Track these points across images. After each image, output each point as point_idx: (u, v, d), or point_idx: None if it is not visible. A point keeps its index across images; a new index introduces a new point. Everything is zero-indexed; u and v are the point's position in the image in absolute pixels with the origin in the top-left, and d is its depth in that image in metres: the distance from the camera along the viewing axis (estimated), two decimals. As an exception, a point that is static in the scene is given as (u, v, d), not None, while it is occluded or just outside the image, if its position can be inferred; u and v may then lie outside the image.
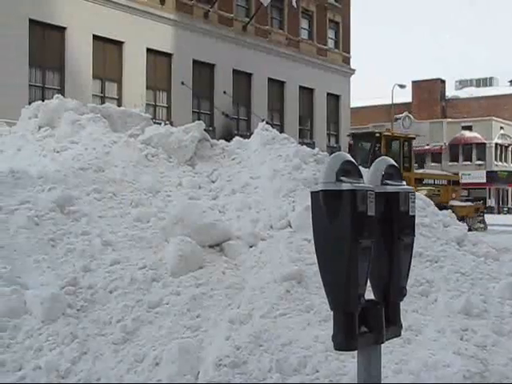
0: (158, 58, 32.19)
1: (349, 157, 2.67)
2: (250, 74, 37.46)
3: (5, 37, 25.24)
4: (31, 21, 26.38)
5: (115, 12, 29.44)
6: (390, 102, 52.25)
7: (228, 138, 10.31)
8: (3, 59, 25.08)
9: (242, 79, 36.97)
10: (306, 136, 41.54)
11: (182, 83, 32.49)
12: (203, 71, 34.59)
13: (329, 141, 44.14)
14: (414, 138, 28.67)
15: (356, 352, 3.07)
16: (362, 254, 2.65)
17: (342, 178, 2.60)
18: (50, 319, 5.21)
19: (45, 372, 4.77)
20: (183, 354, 4.84)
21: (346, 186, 2.59)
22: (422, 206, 7.80)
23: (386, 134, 27.45)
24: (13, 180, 6.76)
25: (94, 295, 5.61)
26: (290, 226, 6.89)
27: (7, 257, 5.76)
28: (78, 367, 4.89)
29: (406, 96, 72.75)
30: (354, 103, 53.71)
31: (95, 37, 28.82)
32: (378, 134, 26.69)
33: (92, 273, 5.85)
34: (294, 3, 36.27)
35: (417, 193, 8.03)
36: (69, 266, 5.90)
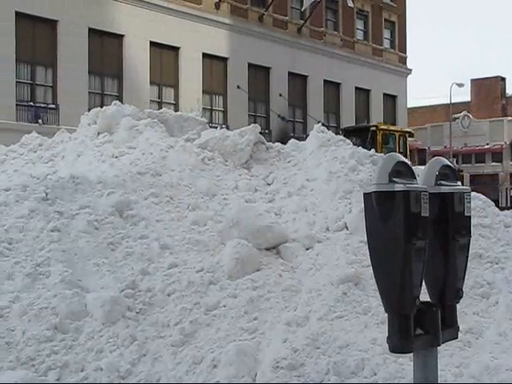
0: (213, 63, 32.40)
1: (402, 158, 2.65)
2: (306, 76, 37.36)
3: (67, 46, 25.81)
4: (91, 29, 26.90)
5: (171, 18, 29.77)
6: (448, 102, 51.41)
7: (284, 140, 10.31)
8: (65, 68, 25.65)
9: (298, 81, 36.91)
10: (362, 137, 41.21)
11: (238, 87, 32.63)
12: (259, 74, 34.66)
13: (386, 142, 43.68)
14: (410, 133, 27.43)
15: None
16: (416, 256, 2.62)
17: (394, 179, 2.58)
18: (110, 321, 5.31)
19: (106, 373, 4.87)
20: (241, 356, 4.87)
21: (398, 187, 2.57)
22: (482, 206, 7.66)
23: (382, 127, 26.11)
24: (73, 185, 6.90)
25: (152, 298, 5.68)
26: (347, 228, 6.85)
27: (68, 260, 5.88)
28: (137, 369, 4.98)
29: (464, 95, 71.67)
30: (411, 103, 53.10)
31: (152, 43, 29.20)
32: (373, 128, 25.51)
33: (150, 276, 5.93)
34: (350, 3, 36.03)
35: (477, 193, 7.89)
36: (128, 269, 5.99)
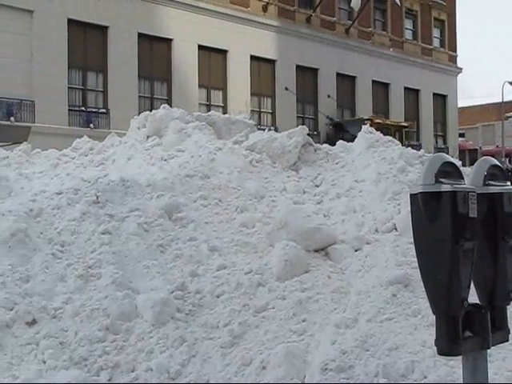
0: (261, 65, 32.47)
1: (449, 158, 2.62)
2: (354, 77, 37.17)
3: (117, 51, 26.21)
4: (140, 34, 27.25)
5: (219, 21, 29.94)
6: (500, 100, 50.49)
7: (332, 141, 10.29)
8: (116, 73, 26.05)
9: (346, 82, 36.74)
10: (412, 138, 40.78)
11: (286, 89, 32.64)
12: (307, 76, 34.62)
13: (436, 142, 43.18)
14: (407, 127, 26.15)
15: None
16: (464, 257, 2.59)
17: (441, 179, 2.56)
18: (160, 323, 5.37)
19: (156, 374, 4.93)
20: (289, 357, 4.88)
21: (445, 188, 2.54)
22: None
23: (377, 121, 24.96)
24: (123, 188, 6.99)
25: (201, 300, 5.73)
26: (396, 230, 6.80)
27: (119, 262, 5.97)
28: (187, 369, 5.02)
29: (517, 93, 70.19)
30: (462, 103, 52.27)
31: (200, 46, 29.42)
32: (368, 121, 23.87)
33: (199, 278, 5.98)
34: (398, 1, 35.72)
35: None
36: (177, 271, 6.05)
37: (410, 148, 9.29)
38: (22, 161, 9.02)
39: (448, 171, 2.60)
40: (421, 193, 2.58)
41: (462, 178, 2.69)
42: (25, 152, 9.30)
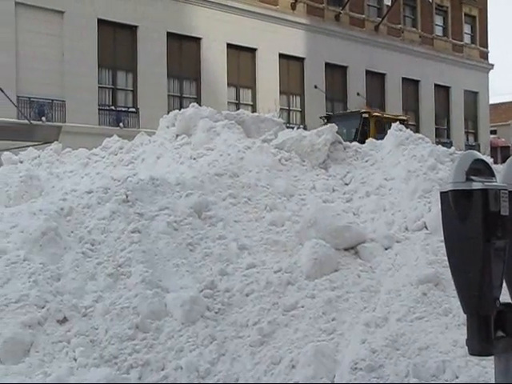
0: (290, 63, 32.45)
1: (480, 155, 2.59)
2: (384, 75, 36.97)
3: (146, 50, 26.37)
4: (169, 34, 27.37)
5: (248, 20, 29.98)
6: (533, 96, 49.78)
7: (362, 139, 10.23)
8: (145, 72, 26.21)
9: (375, 80, 36.56)
10: (442, 135, 40.48)
11: (315, 87, 32.57)
12: (336, 74, 34.51)
13: (467, 139, 42.77)
14: (406, 120, 24.67)
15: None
16: (496, 255, 2.55)
17: (472, 177, 2.52)
18: (189, 321, 5.38)
19: (186, 372, 4.94)
20: (319, 356, 4.85)
21: (476, 186, 2.50)
22: None
23: (376, 114, 23.37)
24: (153, 187, 7.02)
25: (230, 298, 5.73)
26: (426, 228, 6.73)
27: (149, 261, 5.99)
28: (216, 368, 5.03)
29: (551, 89, 69.12)
30: (494, 99, 51.75)
31: (229, 45, 29.48)
32: (365, 115, 22.72)
33: (229, 276, 5.98)
34: None
35: None
36: (206, 269, 6.06)
37: (440, 145, 9.20)
38: (52, 160, 9.12)
39: (479, 169, 2.56)
40: (451, 191, 2.54)
41: (494, 176, 2.64)
42: (55, 151, 9.41)
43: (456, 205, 2.55)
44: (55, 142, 9.93)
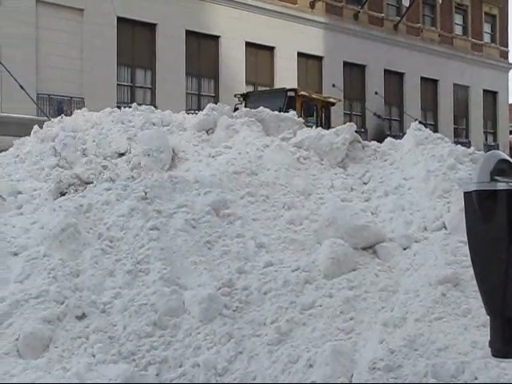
0: (308, 62, 32.43)
1: (504, 156, 2.56)
2: (402, 74, 36.86)
3: (165, 48, 26.44)
4: (188, 32, 27.43)
5: (266, 18, 29.98)
6: (553, 97, 49.40)
7: (380, 139, 10.17)
8: (163, 70, 26.29)
9: (394, 79, 36.45)
10: (461, 135, 40.27)
11: (333, 85, 32.49)
12: (354, 73, 34.45)
13: (486, 139, 42.53)
14: (334, 104, 21.57)
15: (516, 359, 2.94)
16: (521, 257, 2.53)
17: (496, 177, 2.50)
18: (207, 319, 5.39)
19: (203, 369, 4.96)
20: (337, 356, 4.85)
21: (501, 186, 2.48)
22: None
23: (303, 93, 20.19)
24: (171, 185, 7.04)
25: (248, 296, 5.73)
26: (445, 228, 6.70)
27: (167, 258, 6.01)
28: (234, 366, 5.03)
29: None
30: (513, 99, 51.31)
31: (247, 43, 29.51)
32: (291, 93, 19.70)
33: (246, 274, 5.98)
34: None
35: None
36: (224, 267, 6.07)
37: (459, 145, 9.14)
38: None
39: (503, 169, 2.54)
40: (475, 191, 2.52)
41: (518, 176, 2.63)
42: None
43: (480, 205, 2.52)
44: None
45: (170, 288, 5.60)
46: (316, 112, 20.12)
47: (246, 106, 15.76)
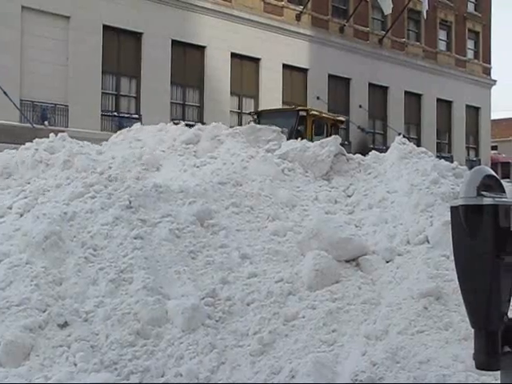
0: (293, 74, 32.53)
1: (490, 171, 2.60)
2: (386, 88, 37.07)
3: (150, 57, 26.43)
4: (173, 41, 27.44)
5: (252, 29, 30.07)
6: (535, 113, 49.86)
7: (364, 152, 10.23)
8: (149, 79, 26.27)
9: (378, 93, 36.65)
10: (443, 150, 40.55)
11: (318, 98, 32.60)
12: (339, 85, 34.60)
13: (468, 154, 42.84)
14: (343, 122, 22.38)
15: (499, 373, 2.97)
16: (505, 271, 2.56)
17: (483, 192, 2.54)
18: (190, 329, 5.38)
19: (185, 379, 4.94)
20: (319, 367, 4.86)
21: (487, 201, 2.51)
22: None
23: (314, 112, 20.83)
24: (156, 194, 7.04)
25: (231, 307, 5.74)
26: (428, 242, 6.74)
27: (151, 267, 6.00)
28: (216, 376, 5.03)
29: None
30: (495, 115, 51.85)
31: (233, 54, 29.56)
32: (303, 113, 20.18)
33: (230, 285, 5.99)
34: (424, 13, 35.59)
35: None
36: (208, 277, 6.07)
37: (442, 160, 9.22)
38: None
39: (490, 184, 2.58)
40: (462, 205, 2.56)
41: (504, 192, 2.66)
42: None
43: (466, 220, 2.56)
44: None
45: (153, 297, 5.58)
46: (326, 130, 20.39)
47: (259, 124, 16.17)
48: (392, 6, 33.05)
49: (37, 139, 8.97)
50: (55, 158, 8.22)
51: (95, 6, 24.88)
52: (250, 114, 22.40)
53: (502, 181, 2.86)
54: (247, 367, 5.12)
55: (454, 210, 2.62)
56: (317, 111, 21.29)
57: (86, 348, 5.10)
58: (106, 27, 25.41)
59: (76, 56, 24.34)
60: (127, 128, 10.18)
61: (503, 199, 2.59)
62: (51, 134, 9.04)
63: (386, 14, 34.19)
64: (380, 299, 5.89)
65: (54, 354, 5.04)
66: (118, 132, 10.18)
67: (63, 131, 11.01)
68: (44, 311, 5.35)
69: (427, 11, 36.15)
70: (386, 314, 5.56)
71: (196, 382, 4.95)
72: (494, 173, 2.64)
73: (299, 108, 21.00)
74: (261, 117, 20.08)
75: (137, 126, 10.31)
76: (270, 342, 5.33)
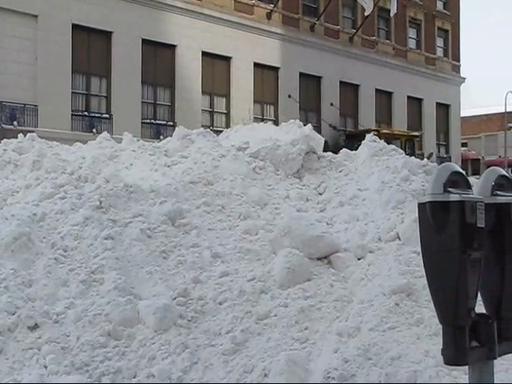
0: (265, 72, 32.49)
1: (457, 167, 2.62)
2: (357, 86, 37.20)
3: (120, 56, 26.24)
4: (144, 40, 27.27)
5: (223, 28, 29.97)
6: (503, 111, 50.43)
7: (335, 150, 10.27)
8: (119, 78, 26.07)
9: (349, 91, 36.76)
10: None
11: (289, 96, 32.64)
12: (310, 84, 34.64)
13: (438, 151, 43.16)
14: (417, 137, 24.86)
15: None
16: (472, 267, 2.59)
17: (449, 189, 2.55)
18: (162, 329, 5.36)
19: (158, 380, 4.92)
20: (291, 365, 4.86)
21: (454, 197, 2.53)
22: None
23: (385, 131, 23.52)
24: (127, 194, 6.99)
25: (204, 306, 5.72)
26: (399, 239, 6.79)
27: (122, 268, 5.96)
28: (189, 376, 5.01)
29: (520, 103, 69.58)
30: (465, 112, 52.27)
31: (204, 53, 29.44)
32: (374, 133, 22.23)
33: (202, 284, 5.97)
34: (393, 11, 35.72)
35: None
36: (180, 277, 6.04)
37: (413, 157, 9.29)
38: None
39: (456, 181, 2.59)
40: (429, 202, 2.57)
41: (470, 188, 2.68)
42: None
43: (433, 216, 2.58)
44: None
45: (124, 298, 5.55)
46: (401, 146, 22.29)
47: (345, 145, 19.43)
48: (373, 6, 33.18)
49: (5, 140, 8.87)
50: (24, 159, 8.13)
51: (64, 5, 24.62)
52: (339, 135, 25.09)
53: (470, 177, 2.89)
54: (220, 366, 5.11)
55: (421, 206, 2.64)
56: (389, 130, 24.14)
57: (56, 350, 5.05)
58: (75, 26, 25.14)
59: (45, 55, 24.06)
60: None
61: (470, 195, 2.61)
62: (20, 135, 8.94)
63: (367, 13, 34.27)
64: (352, 296, 5.92)
65: (23, 357, 4.97)
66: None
67: (33, 131, 10.90)
68: (13, 314, 5.27)
69: (395, 14, 36.24)
70: (358, 311, 5.58)
71: (168, 382, 4.93)
72: (460, 169, 2.67)
73: (371, 129, 23.86)
74: (348, 138, 23.22)
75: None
76: (243, 340, 5.32)
